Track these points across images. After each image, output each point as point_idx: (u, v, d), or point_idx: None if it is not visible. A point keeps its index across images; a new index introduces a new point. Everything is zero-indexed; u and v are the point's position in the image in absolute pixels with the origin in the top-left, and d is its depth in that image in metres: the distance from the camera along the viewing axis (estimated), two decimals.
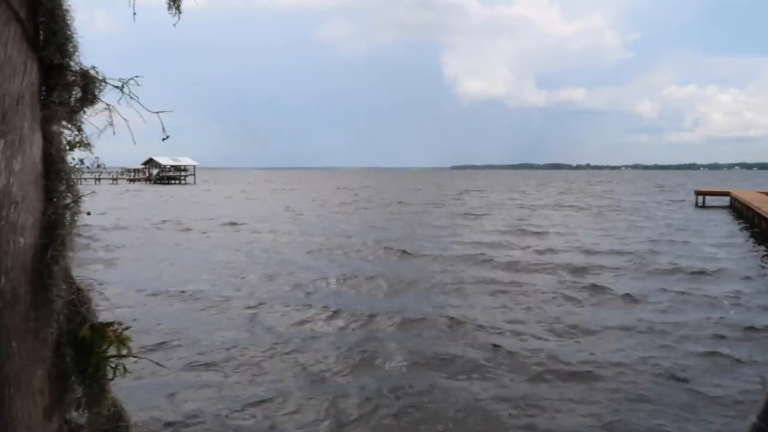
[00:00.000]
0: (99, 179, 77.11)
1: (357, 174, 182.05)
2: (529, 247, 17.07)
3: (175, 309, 9.83)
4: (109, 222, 22.79)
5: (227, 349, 7.63)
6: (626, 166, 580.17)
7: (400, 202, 38.38)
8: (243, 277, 12.60)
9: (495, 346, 7.78)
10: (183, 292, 10.92)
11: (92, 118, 1.71)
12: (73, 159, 1.55)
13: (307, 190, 59.65)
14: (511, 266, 13.88)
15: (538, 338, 8.22)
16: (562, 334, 8.38)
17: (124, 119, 1.65)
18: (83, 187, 1.64)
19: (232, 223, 23.44)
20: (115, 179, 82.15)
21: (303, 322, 9.06)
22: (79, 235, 1.60)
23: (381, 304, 10.30)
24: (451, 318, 9.10)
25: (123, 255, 15.35)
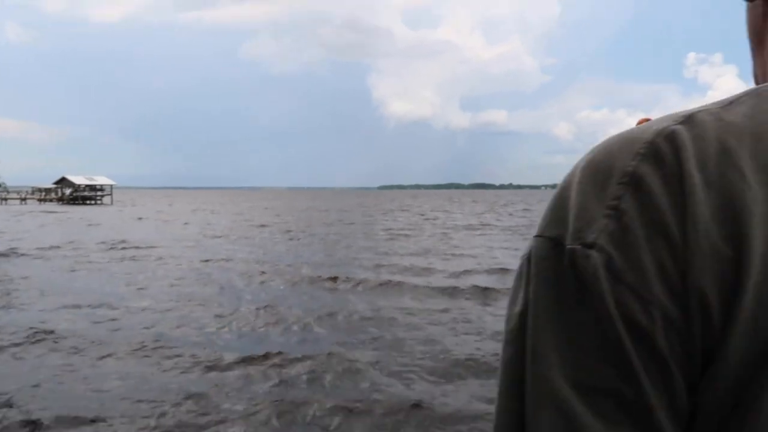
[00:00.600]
0: (5, 199, 72.37)
1: (283, 194, 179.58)
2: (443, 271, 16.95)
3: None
4: None
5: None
6: (546, 186, 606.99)
7: (325, 224, 37.78)
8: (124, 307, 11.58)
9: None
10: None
11: None
12: None
13: (228, 210, 57.83)
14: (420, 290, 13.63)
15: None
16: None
17: None
18: None
19: (133, 247, 22.05)
20: (24, 199, 77.07)
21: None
22: None
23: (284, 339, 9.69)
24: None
25: None
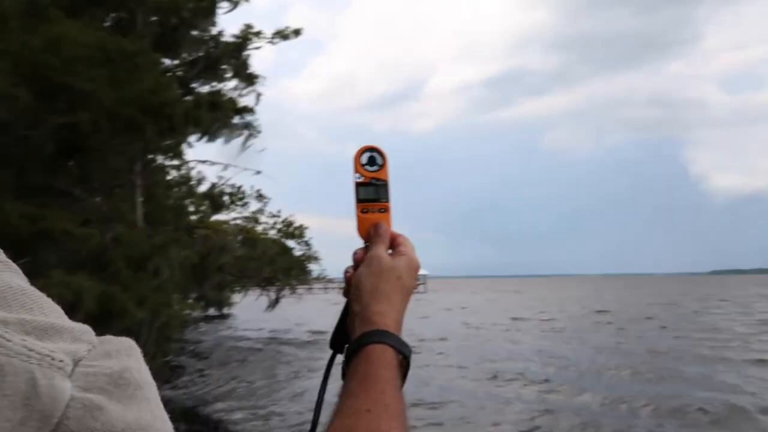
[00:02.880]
0: (326, 288, 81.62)
1: (595, 281, 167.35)
2: None
3: None
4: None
5: None
6: None
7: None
8: None
9: None
10: None
11: None
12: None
13: (549, 301, 54.56)
14: None
15: None
16: None
17: None
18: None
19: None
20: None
21: None
22: None
23: None
24: None
25: None
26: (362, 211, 0.93)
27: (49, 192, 9.19)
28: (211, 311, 27.05)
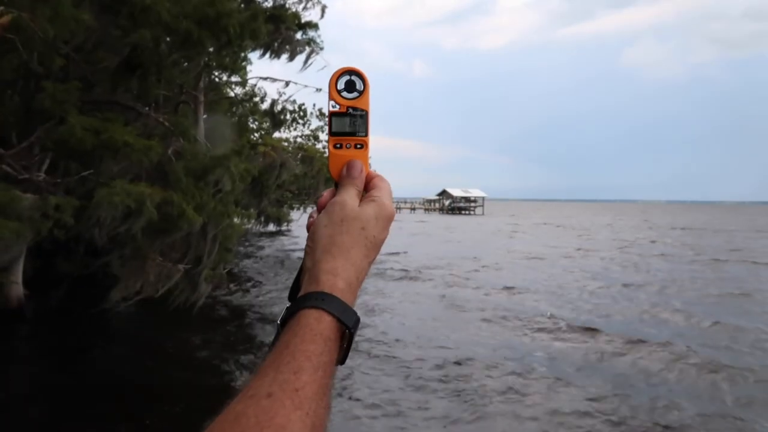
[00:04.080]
0: (399, 208, 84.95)
1: (662, 208, 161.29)
2: None
3: None
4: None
5: None
6: None
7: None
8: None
9: None
10: None
11: None
12: None
13: (629, 225, 53.26)
14: None
15: None
16: None
17: None
18: None
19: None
20: (413, 208, 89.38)
21: None
22: None
23: None
24: None
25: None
26: (335, 146, 0.81)
27: (113, 107, 9.46)
28: (271, 227, 27.95)
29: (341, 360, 0.67)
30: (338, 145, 0.81)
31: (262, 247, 26.52)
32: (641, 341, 10.45)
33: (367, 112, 0.81)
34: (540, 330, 11.36)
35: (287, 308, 0.68)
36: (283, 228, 30.47)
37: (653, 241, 33.43)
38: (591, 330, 11.27)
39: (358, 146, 0.81)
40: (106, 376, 8.35)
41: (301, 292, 0.69)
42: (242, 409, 0.57)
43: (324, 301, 0.66)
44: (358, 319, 0.68)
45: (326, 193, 0.80)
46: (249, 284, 16.30)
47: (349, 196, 0.77)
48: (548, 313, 12.73)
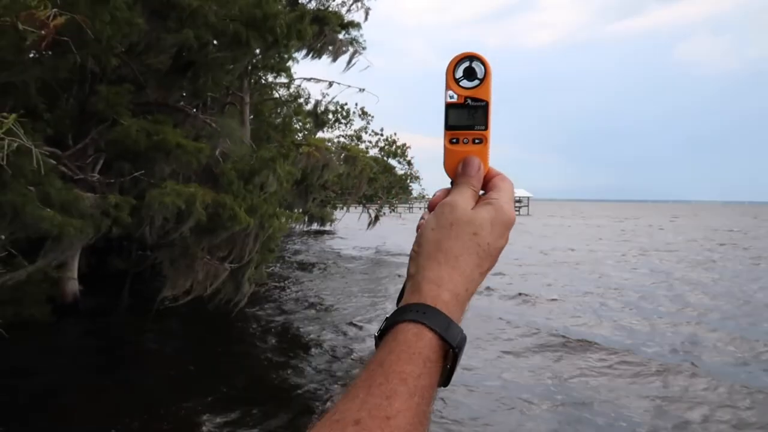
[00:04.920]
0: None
1: (715, 209, 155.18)
2: None
3: None
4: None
5: None
6: None
7: None
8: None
9: None
10: None
11: None
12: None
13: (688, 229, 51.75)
14: None
15: None
16: None
17: None
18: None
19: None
20: None
21: None
22: None
23: None
24: None
25: None
26: (450, 141, 0.73)
27: (163, 109, 9.66)
28: (315, 226, 28.21)
29: (444, 382, 0.60)
30: (454, 140, 0.74)
31: (306, 248, 26.79)
32: None
33: (488, 103, 0.73)
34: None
35: (386, 319, 0.62)
36: (328, 227, 30.72)
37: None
38: None
39: (477, 141, 0.73)
40: (150, 374, 8.54)
41: (402, 302, 0.63)
42: None
43: (425, 314, 0.59)
44: (464, 338, 0.60)
45: (439, 192, 0.73)
46: (290, 283, 16.45)
47: (462, 197, 0.69)
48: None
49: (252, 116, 14.78)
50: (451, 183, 0.72)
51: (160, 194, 6.85)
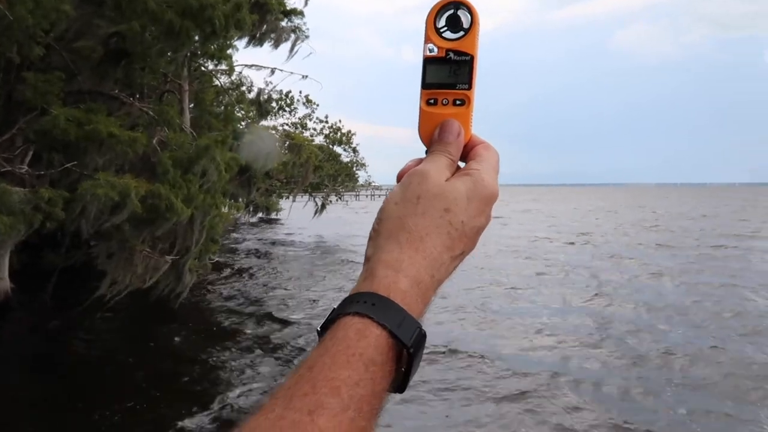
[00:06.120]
0: (373, 195, 79.05)
1: (653, 191, 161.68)
2: None
3: None
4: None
5: None
6: None
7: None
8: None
9: None
10: None
11: None
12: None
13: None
14: None
15: None
16: None
17: None
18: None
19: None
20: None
21: None
22: None
23: None
24: None
25: None
26: (428, 102, 0.62)
27: (97, 97, 9.39)
28: (261, 215, 27.94)
29: (397, 388, 0.49)
30: (432, 101, 0.62)
31: (252, 238, 26.50)
32: None
33: (473, 57, 0.61)
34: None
35: (332, 311, 0.51)
36: (273, 216, 30.43)
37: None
38: None
39: (458, 102, 0.62)
40: (88, 368, 8.38)
41: (352, 290, 0.52)
42: None
43: (375, 306, 0.48)
44: (423, 335, 0.49)
45: (411, 162, 0.61)
46: (234, 274, 16.32)
47: (435, 165, 0.58)
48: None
49: (192, 105, 14.47)
50: (426, 152, 0.62)
51: (92, 186, 6.67)
